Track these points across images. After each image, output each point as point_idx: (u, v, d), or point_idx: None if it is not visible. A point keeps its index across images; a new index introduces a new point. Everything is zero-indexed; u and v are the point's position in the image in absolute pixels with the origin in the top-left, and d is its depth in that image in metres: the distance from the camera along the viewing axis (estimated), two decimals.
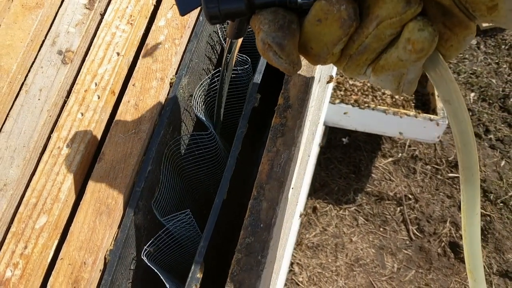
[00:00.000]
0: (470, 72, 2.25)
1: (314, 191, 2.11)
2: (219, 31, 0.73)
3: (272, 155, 0.59)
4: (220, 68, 0.65)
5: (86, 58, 0.66)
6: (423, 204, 2.08)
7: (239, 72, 0.69)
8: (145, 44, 0.66)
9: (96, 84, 0.65)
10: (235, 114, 0.74)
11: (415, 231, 2.05)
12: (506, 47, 2.29)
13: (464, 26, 0.39)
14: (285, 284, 1.98)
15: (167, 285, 0.59)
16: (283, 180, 0.58)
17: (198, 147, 0.69)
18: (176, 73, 0.66)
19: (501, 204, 2.04)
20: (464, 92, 2.21)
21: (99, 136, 0.64)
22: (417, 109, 1.88)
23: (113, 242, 0.59)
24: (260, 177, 0.58)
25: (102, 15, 0.69)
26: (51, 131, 0.64)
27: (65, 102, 0.65)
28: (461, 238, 2.02)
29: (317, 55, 0.42)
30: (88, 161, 0.62)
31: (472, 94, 2.21)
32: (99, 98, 0.64)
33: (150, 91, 0.64)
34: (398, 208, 2.09)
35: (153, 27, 0.67)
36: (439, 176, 2.13)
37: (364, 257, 2.02)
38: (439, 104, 1.82)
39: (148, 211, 0.63)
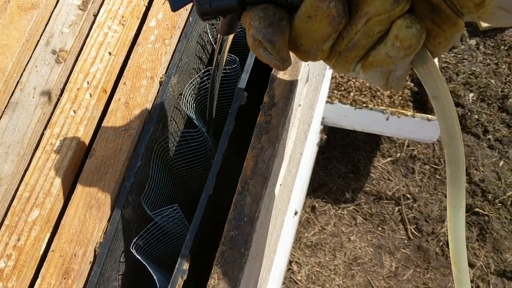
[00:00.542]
0: (469, 72, 2.26)
1: (313, 190, 2.13)
2: (209, 31, 0.75)
3: (256, 152, 0.61)
4: (210, 67, 0.67)
5: (79, 58, 0.68)
6: (421, 203, 2.09)
7: (228, 71, 0.71)
8: (136, 44, 0.68)
9: (88, 83, 0.67)
10: (225, 113, 0.76)
11: (413, 230, 2.06)
12: (505, 48, 2.30)
13: (452, 23, 0.40)
14: (284, 283, 1.99)
15: (155, 277, 0.61)
16: (267, 175, 0.60)
17: (188, 144, 0.71)
18: (165, 72, 0.68)
19: (499, 204, 2.05)
20: (463, 92, 2.22)
21: (90, 133, 0.66)
22: (415, 109, 1.89)
23: (102, 235, 0.61)
24: (244, 172, 0.60)
25: (95, 16, 0.71)
26: (45, 128, 0.66)
27: (58, 100, 0.67)
28: None
29: (307, 51, 0.43)
30: (80, 157, 0.65)
31: (471, 95, 2.22)
32: (91, 96, 0.66)
33: (140, 89, 0.66)
34: (397, 208, 2.11)
35: (144, 28, 0.70)
36: (437, 176, 2.14)
37: (362, 256, 2.04)
38: None
39: (137, 206, 0.65)
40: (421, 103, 1.92)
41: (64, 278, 0.58)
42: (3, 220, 0.61)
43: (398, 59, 0.41)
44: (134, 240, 0.62)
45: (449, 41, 0.41)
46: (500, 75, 2.25)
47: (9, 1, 0.71)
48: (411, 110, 1.86)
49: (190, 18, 0.71)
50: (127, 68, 0.67)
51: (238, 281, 0.56)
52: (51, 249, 0.59)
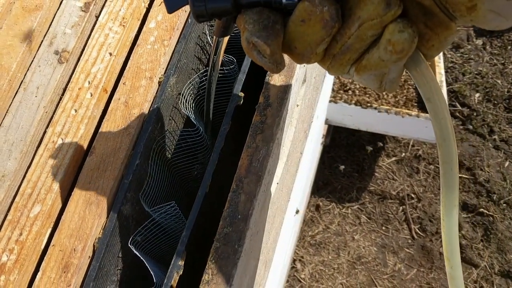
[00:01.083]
0: (476, 72, 2.25)
1: (317, 189, 2.14)
2: (207, 32, 0.77)
3: (251, 151, 0.62)
4: (208, 68, 0.68)
5: (81, 58, 0.70)
6: (425, 203, 2.09)
7: (226, 72, 0.72)
8: (136, 45, 0.70)
9: (89, 83, 0.69)
10: (223, 113, 0.77)
11: (417, 230, 2.07)
12: None
13: (445, 26, 0.41)
14: (287, 281, 2.01)
15: (152, 273, 0.63)
16: (261, 174, 0.61)
17: (186, 143, 0.73)
18: (164, 73, 0.69)
19: (504, 204, 2.04)
20: (469, 92, 2.21)
21: (91, 132, 0.68)
22: (419, 109, 1.89)
23: (101, 231, 0.62)
24: (239, 171, 0.62)
25: (97, 17, 0.73)
26: (47, 126, 0.68)
27: (60, 99, 0.69)
28: (463, 239, 2.02)
29: (301, 54, 0.44)
30: (80, 154, 0.66)
31: (477, 95, 2.21)
32: (91, 95, 0.68)
33: (139, 89, 0.68)
34: (401, 207, 2.11)
35: (144, 29, 0.71)
36: None
37: (366, 255, 2.04)
38: None
39: (136, 202, 0.67)
40: None
41: (64, 272, 0.60)
42: (6, 215, 0.64)
43: (391, 62, 0.42)
44: (132, 236, 0.64)
45: (442, 44, 0.42)
46: (507, 75, 2.24)
47: (14, 3, 0.73)
48: (416, 110, 1.86)
49: (189, 20, 0.72)
50: (127, 68, 0.69)
51: (232, 277, 0.57)
52: (51, 244, 0.61)
